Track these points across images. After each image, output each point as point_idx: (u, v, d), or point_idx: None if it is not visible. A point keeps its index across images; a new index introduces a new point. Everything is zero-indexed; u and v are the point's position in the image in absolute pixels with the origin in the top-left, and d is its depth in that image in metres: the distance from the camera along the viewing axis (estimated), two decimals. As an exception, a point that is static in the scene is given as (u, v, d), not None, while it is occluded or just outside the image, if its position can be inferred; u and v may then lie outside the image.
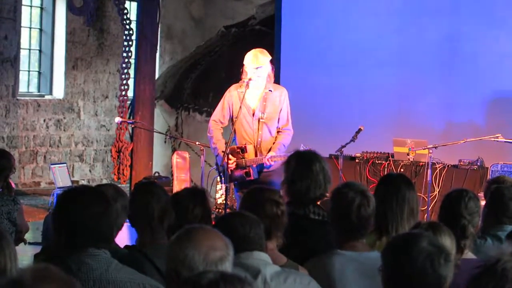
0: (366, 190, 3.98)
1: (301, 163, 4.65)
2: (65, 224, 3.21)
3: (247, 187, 7.12)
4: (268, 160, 7.18)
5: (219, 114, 7.47)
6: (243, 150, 7.30)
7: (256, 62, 7.34)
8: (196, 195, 4.29)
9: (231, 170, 7.31)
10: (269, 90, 7.38)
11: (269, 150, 7.34)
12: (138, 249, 3.86)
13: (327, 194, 4.62)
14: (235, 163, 7.29)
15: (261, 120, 7.34)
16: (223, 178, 7.53)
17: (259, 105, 7.35)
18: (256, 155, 7.33)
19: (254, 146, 7.35)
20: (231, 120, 7.44)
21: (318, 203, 4.66)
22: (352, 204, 3.86)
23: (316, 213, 4.52)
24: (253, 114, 7.36)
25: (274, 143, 7.36)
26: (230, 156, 7.29)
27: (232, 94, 7.43)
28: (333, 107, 10.57)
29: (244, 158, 7.31)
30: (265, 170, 7.32)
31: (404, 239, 2.88)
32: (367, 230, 3.94)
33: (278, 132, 7.41)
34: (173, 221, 4.01)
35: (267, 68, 7.39)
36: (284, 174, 4.74)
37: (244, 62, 7.41)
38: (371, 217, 3.90)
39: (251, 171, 7.30)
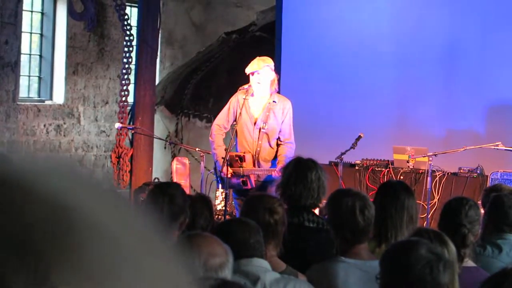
0: (361, 192, 4.04)
1: (298, 169, 4.67)
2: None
3: (245, 194, 7.18)
4: (279, 173, 7.17)
5: (224, 119, 7.47)
6: (242, 159, 7.30)
7: (251, 67, 7.35)
8: (205, 201, 4.31)
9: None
10: (273, 101, 7.38)
11: (269, 161, 7.36)
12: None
13: (320, 205, 4.64)
14: (231, 173, 7.30)
15: (262, 130, 7.33)
16: (220, 184, 7.54)
17: (262, 114, 7.35)
18: (254, 165, 7.33)
19: (253, 156, 7.35)
20: (231, 125, 7.45)
21: (316, 211, 4.67)
22: (355, 208, 3.87)
23: (311, 220, 4.53)
24: (255, 123, 7.36)
25: (279, 155, 7.34)
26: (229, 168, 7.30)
27: (238, 99, 7.43)
28: (333, 114, 10.57)
29: (242, 167, 7.31)
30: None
31: (402, 247, 2.88)
32: (370, 232, 3.95)
33: (279, 145, 7.40)
34: (184, 227, 4.00)
35: (267, 75, 7.36)
36: (280, 178, 4.77)
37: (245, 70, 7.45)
38: (373, 219, 3.93)
39: (248, 180, 7.31)
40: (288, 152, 7.29)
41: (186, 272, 0.74)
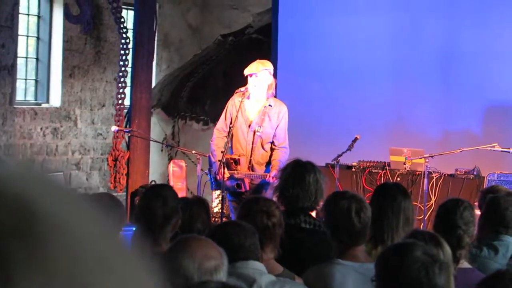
0: (357, 194, 4.04)
1: (296, 171, 4.66)
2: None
3: (239, 197, 7.19)
4: (273, 179, 7.16)
5: (223, 123, 7.49)
6: (237, 162, 7.30)
7: (249, 69, 7.35)
8: (202, 204, 4.32)
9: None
10: (269, 105, 7.37)
11: (262, 164, 7.36)
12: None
13: (318, 207, 4.64)
14: (228, 176, 7.32)
15: (256, 133, 7.33)
16: (214, 185, 7.56)
17: (257, 118, 7.35)
18: (248, 168, 7.34)
19: (247, 158, 7.36)
20: (229, 128, 7.46)
21: (313, 214, 4.67)
22: (351, 210, 3.87)
23: (307, 222, 4.53)
24: (249, 126, 7.36)
25: (272, 160, 7.33)
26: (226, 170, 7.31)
27: (234, 102, 7.43)
28: (330, 116, 10.57)
29: (236, 170, 7.31)
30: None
31: (398, 249, 2.87)
32: (366, 235, 3.95)
33: (274, 149, 7.39)
34: (177, 228, 4.00)
35: (265, 79, 7.35)
36: (278, 180, 4.77)
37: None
38: (369, 221, 3.93)
39: (242, 183, 7.31)
40: (282, 157, 7.27)
41: (150, 272, 0.76)
